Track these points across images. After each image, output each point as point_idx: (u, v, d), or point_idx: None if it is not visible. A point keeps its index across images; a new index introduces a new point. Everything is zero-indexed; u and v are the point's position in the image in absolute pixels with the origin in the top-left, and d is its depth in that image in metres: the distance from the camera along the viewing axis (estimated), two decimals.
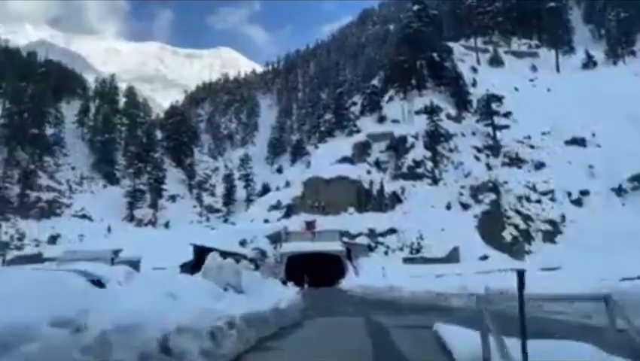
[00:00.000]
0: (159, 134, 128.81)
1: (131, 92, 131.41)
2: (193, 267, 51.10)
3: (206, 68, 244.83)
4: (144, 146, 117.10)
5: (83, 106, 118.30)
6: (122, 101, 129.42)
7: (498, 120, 66.12)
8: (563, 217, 58.60)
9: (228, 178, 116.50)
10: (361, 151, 64.44)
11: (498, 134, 65.92)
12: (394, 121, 70.77)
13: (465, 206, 59.22)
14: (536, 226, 58.09)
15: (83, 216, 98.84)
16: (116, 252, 55.26)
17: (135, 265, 48.65)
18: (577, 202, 61.02)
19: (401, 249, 55.29)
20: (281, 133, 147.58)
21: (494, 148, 65.14)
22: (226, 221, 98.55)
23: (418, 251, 54.59)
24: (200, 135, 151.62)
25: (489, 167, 62.88)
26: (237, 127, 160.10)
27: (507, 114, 66.35)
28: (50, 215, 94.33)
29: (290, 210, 59.69)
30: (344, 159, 62.55)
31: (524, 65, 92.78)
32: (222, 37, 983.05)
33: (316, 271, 45.46)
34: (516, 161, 64.86)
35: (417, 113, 70.41)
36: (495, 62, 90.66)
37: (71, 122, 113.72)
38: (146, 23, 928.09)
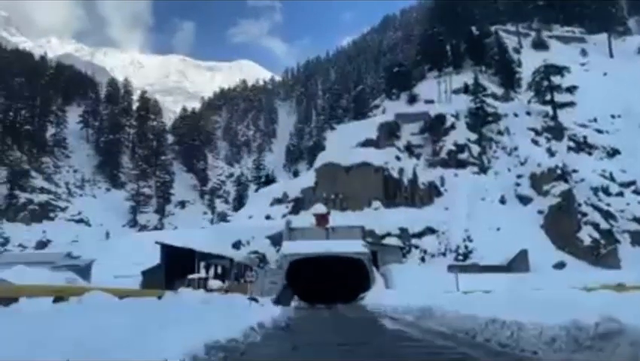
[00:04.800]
0: (170, 139, 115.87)
1: (144, 97, 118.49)
2: (167, 273, 36.13)
3: (227, 80, 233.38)
4: (153, 149, 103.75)
5: (91, 106, 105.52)
6: (135, 106, 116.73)
7: (559, 98, 50.05)
8: None
9: (240, 182, 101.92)
10: (389, 134, 48.66)
11: (560, 114, 49.82)
12: (428, 102, 55.25)
13: (525, 200, 43.21)
14: (621, 226, 41.68)
15: (80, 221, 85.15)
16: (69, 254, 41.35)
17: (82, 270, 33.74)
18: None
19: (444, 253, 39.54)
20: (299, 140, 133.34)
21: (555, 130, 48.99)
22: None
23: (466, 257, 38.78)
24: (217, 142, 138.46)
25: (550, 152, 46.74)
26: (254, 134, 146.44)
27: (570, 89, 50.13)
28: (42, 219, 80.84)
29: (298, 205, 44.38)
30: (367, 142, 46.94)
31: (572, 50, 76.70)
32: (243, 50, 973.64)
33: (329, 281, 30.15)
34: (584, 146, 48.58)
35: (455, 92, 55.00)
36: (539, 46, 74.69)
37: (76, 123, 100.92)
38: (168, 36, 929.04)
